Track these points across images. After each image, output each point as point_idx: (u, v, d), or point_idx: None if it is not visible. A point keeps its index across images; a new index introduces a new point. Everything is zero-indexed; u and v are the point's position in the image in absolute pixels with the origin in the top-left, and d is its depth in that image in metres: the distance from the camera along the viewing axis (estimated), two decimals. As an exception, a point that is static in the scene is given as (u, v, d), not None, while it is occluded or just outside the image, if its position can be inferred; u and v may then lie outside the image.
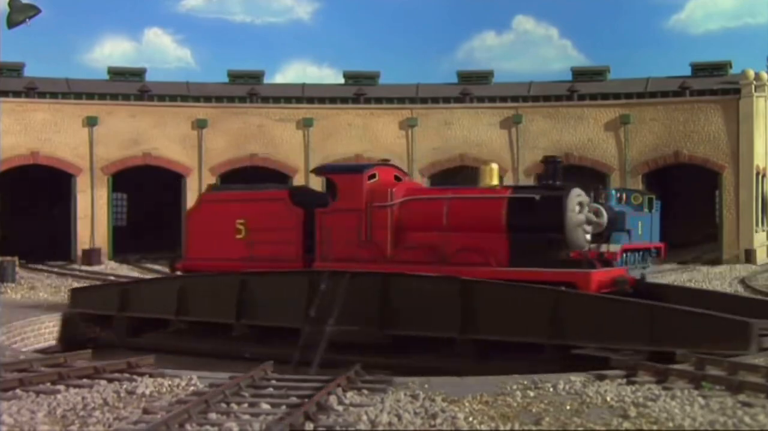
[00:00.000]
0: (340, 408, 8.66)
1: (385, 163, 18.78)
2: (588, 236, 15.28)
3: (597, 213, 28.41)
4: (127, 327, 17.29)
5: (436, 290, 14.21)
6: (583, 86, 39.82)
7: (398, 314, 14.42)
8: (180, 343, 16.21)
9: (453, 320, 13.74)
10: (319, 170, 18.55)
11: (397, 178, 17.23)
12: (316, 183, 37.93)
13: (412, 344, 14.33)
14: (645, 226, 31.00)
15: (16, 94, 36.99)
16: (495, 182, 16.14)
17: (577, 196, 15.04)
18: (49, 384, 9.85)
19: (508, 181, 38.29)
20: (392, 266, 15.28)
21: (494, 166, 16.41)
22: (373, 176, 16.59)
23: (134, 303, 17.34)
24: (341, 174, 17.06)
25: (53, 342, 17.76)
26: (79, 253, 36.41)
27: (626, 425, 7.94)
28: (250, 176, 39.58)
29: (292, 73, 72.77)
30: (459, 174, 36.08)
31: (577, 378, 10.03)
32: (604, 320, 12.75)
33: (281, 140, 38.94)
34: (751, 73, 36.74)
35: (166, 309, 16.63)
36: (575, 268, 14.42)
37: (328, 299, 14.60)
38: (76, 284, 26.14)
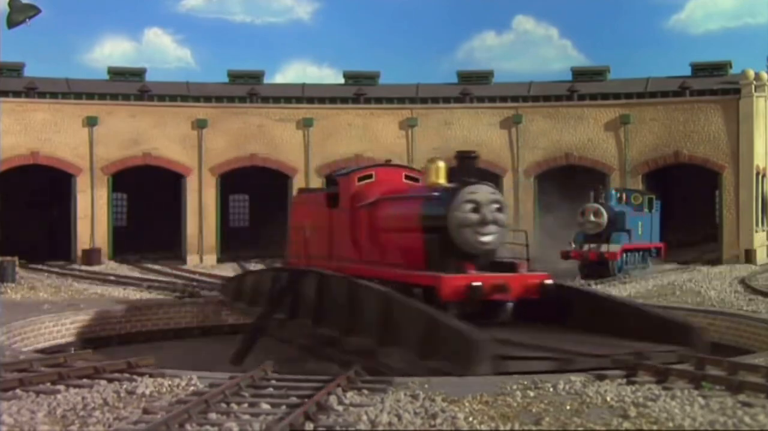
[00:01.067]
0: (340, 408, 8.65)
1: (388, 163, 18.79)
2: (485, 238, 13.79)
3: (597, 213, 28.72)
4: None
5: (338, 290, 14.64)
6: (583, 86, 39.81)
7: (325, 312, 15.09)
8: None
9: (342, 320, 14.10)
10: (329, 175, 19.40)
11: (410, 178, 17.17)
12: (317, 183, 38.04)
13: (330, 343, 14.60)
14: (645, 226, 31.02)
15: (16, 94, 36.97)
16: (441, 179, 15.25)
17: (469, 193, 13.81)
18: (49, 384, 9.85)
19: (508, 181, 38.39)
20: (362, 267, 15.48)
21: (440, 163, 15.43)
22: (367, 177, 16.61)
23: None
24: (341, 176, 17.38)
25: (53, 342, 17.79)
26: (79, 253, 36.40)
27: (626, 425, 7.94)
28: (250, 176, 39.75)
29: (292, 73, 72.82)
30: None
31: (577, 378, 10.03)
32: (403, 327, 12.46)
33: (281, 140, 38.92)
34: (751, 73, 36.73)
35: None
36: (446, 271, 13.37)
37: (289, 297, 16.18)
38: (75, 284, 26.19)
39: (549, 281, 13.63)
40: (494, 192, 14.11)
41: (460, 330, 11.16)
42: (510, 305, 13.42)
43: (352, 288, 14.15)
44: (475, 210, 13.67)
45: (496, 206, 13.85)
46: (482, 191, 13.88)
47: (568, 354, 11.17)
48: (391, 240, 15.10)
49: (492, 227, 13.75)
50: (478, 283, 12.91)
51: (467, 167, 14.33)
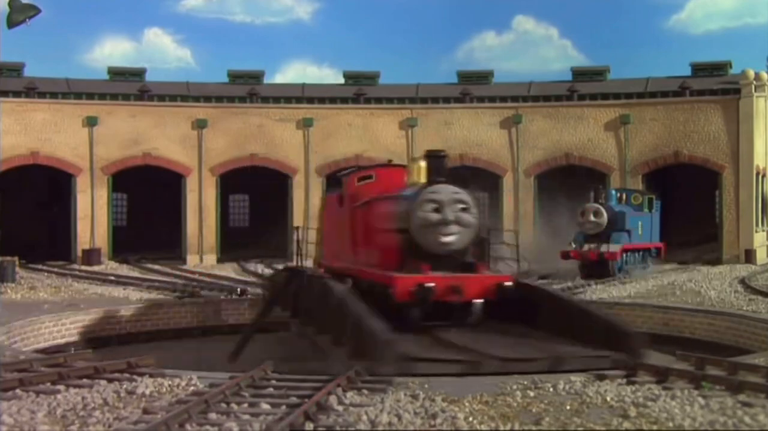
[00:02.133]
0: (340, 408, 8.65)
1: (390, 163, 18.78)
2: (446, 239, 13.54)
3: (597, 213, 28.72)
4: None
5: (317, 290, 14.82)
6: (583, 86, 39.82)
7: (310, 313, 15.17)
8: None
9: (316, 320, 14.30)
10: (334, 174, 19.26)
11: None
12: (317, 183, 38.07)
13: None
14: (645, 226, 31.03)
15: (16, 94, 36.99)
16: (423, 179, 14.76)
17: (430, 193, 13.61)
18: (49, 384, 9.84)
19: (509, 181, 38.40)
20: (356, 268, 15.43)
21: (422, 163, 14.90)
22: (367, 178, 16.61)
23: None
24: (344, 177, 17.29)
25: (52, 342, 17.79)
26: (79, 253, 36.43)
27: (626, 425, 7.94)
28: (250, 176, 39.76)
29: (292, 73, 72.92)
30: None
31: (577, 378, 10.03)
32: (335, 325, 12.78)
33: (281, 140, 38.93)
34: (751, 73, 36.74)
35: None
36: (406, 272, 13.24)
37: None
38: (75, 284, 26.18)
39: (508, 283, 13.35)
40: (458, 192, 13.78)
41: (372, 330, 11.14)
42: (478, 306, 13.20)
43: (323, 288, 14.27)
44: (437, 210, 13.47)
45: (460, 205, 13.60)
46: (444, 191, 13.65)
47: (477, 356, 11.15)
48: (376, 240, 15.02)
49: (454, 227, 13.49)
50: (431, 284, 12.71)
51: (436, 167, 14.01)
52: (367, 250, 15.38)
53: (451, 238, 13.50)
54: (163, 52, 76.77)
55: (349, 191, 16.40)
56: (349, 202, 16.33)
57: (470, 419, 8.17)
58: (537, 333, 12.76)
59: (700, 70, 40.51)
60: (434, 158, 14.20)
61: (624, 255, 29.03)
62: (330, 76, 77.17)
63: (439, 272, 13.19)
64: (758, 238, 36.98)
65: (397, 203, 14.29)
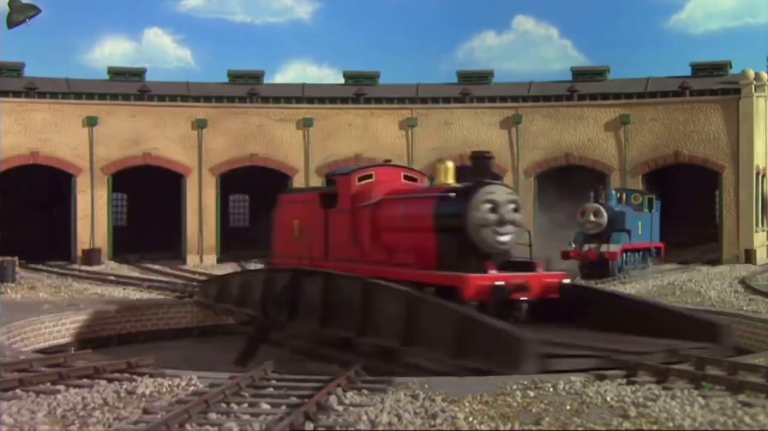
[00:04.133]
0: (340, 408, 8.65)
1: (389, 163, 18.79)
2: (503, 238, 13.85)
3: (597, 213, 28.71)
4: None
5: (350, 290, 14.58)
6: (583, 86, 39.81)
7: (333, 312, 14.94)
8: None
9: (355, 321, 14.02)
10: (328, 174, 19.14)
11: (409, 178, 17.19)
12: (317, 183, 38.04)
13: (342, 343, 14.47)
14: (645, 226, 31.03)
15: (16, 94, 36.98)
16: (450, 179, 15.32)
17: (487, 193, 13.86)
18: (49, 384, 9.85)
19: (508, 181, 38.37)
20: (365, 267, 15.37)
21: (449, 163, 15.63)
22: (367, 177, 16.61)
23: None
24: (340, 176, 17.32)
25: (53, 342, 17.79)
26: (79, 253, 36.42)
27: (626, 425, 7.94)
28: (250, 176, 39.74)
29: (292, 73, 72.93)
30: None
31: (577, 378, 10.02)
32: (431, 327, 12.36)
33: (281, 140, 38.92)
34: (751, 73, 36.74)
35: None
36: (467, 271, 13.29)
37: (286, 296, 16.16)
38: (75, 284, 26.20)
39: (567, 281, 13.80)
40: (511, 192, 14.30)
41: (503, 329, 11.23)
42: (525, 304, 13.34)
43: (367, 288, 14.02)
44: (493, 210, 13.74)
45: (512, 206, 13.94)
46: (500, 191, 14.02)
47: (608, 352, 11.15)
48: (400, 240, 15.03)
49: (510, 227, 13.85)
50: (502, 283, 12.96)
51: (482, 167, 14.43)
52: (382, 250, 15.34)
53: (507, 237, 13.88)
54: (163, 52, 76.85)
55: (350, 191, 16.33)
56: (350, 202, 16.27)
57: (470, 419, 8.17)
58: (591, 330, 12.87)
59: (700, 70, 40.50)
60: (480, 158, 14.65)
61: (624, 255, 29.03)
62: (330, 76, 77.25)
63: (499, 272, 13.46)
64: (758, 238, 36.98)
65: (440, 203, 14.37)
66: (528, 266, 13.95)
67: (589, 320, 13.30)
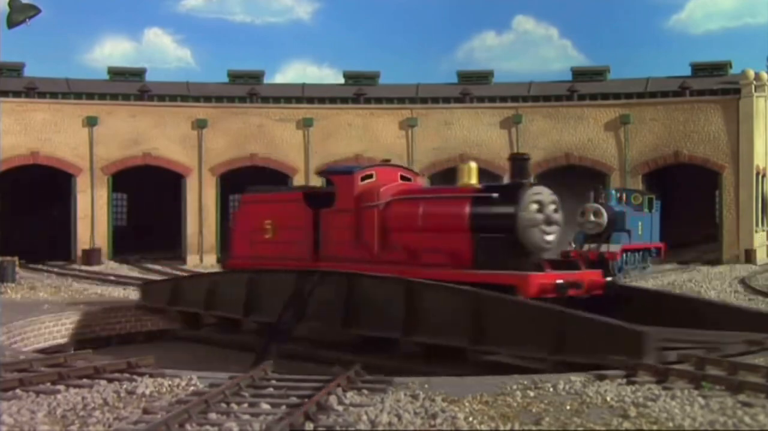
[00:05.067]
0: (340, 408, 8.65)
1: (386, 163, 18.75)
2: (548, 237, 14.29)
3: (596, 213, 28.71)
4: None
5: (386, 291, 14.45)
6: (583, 86, 39.83)
7: (359, 313, 14.75)
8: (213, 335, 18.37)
9: (398, 321, 13.89)
10: (321, 172, 18.85)
11: (404, 178, 17.16)
12: (317, 183, 38.03)
13: (374, 343, 14.40)
14: (645, 226, 31.02)
15: (16, 94, 37.01)
16: (473, 180, 15.57)
17: (534, 194, 14.33)
18: (49, 384, 9.84)
19: (508, 181, 38.33)
20: (376, 267, 15.29)
21: (473, 164, 15.88)
22: (368, 177, 16.58)
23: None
24: (339, 175, 17.14)
25: (53, 342, 17.78)
26: (79, 253, 36.44)
27: (626, 425, 7.94)
28: (250, 176, 39.72)
29: (292, 73, 72.90)
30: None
31: (577, 378, 10.02)
32: (516, 325, 12.41)
33: (281, 140, 38.94)
34: (751, 73, 36.75)
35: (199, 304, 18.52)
36: (521, 270, 13.64)
37: (303, 296, 15.61)
38: (75, 284, 26.18)
39: (609, 278, 14.54)
40: (552, 193, 14.64)
41: (620, 325, 11.50)
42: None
43: (412, 288, 13.93)
44: (540, 210, 14.13)
45: (554, 206, 14.42)
46: (545, 192, 14.49)
47: (709, 343, 11.50)
48: (424, 240, 15.06)
49: (555, 227, 14.31)
50: (561, 281, 13.33)
51: (521, 168, 14.84)
52: (408, 250, 15.31)
53: (552, 236, 14.34)
54: (163, 52, 76.83)
55: (353, 191, 16.21)
56: (354, 201, 16.12)
57: (470, 419, 8.16)
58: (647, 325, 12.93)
59: (700, 70, 40.52)
60: (519, 160, 15.09)
61: (624, 255, 29.02)
62: (330, 76, 77.20)
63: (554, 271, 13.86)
64: (758, 238, 36.99)
65: (479, 203, 14.58)
66: (572, 264, 14.73)
67: (633, 315, 13.27)
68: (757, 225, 37.07)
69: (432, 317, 13.48)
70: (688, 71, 40.93)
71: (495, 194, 14.45)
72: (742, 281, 25.36)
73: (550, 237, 14.26)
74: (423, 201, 15.61)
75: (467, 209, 14.62)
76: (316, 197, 17.45)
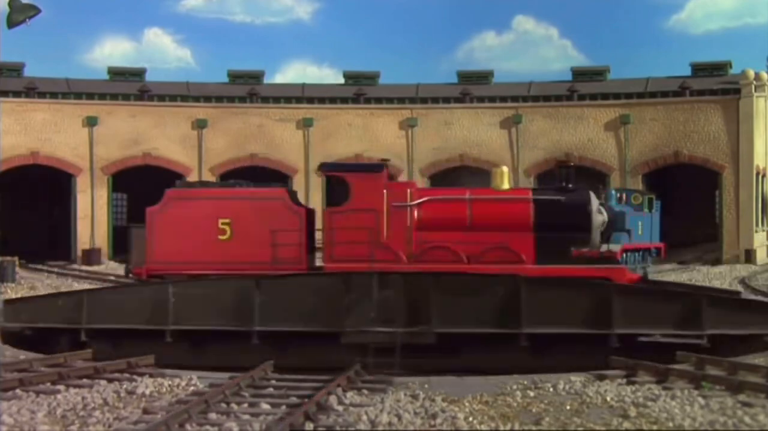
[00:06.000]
0: (340, 408, 8.66)
1: (384, 162, 18.72)
2: (602, 236, 16.37)
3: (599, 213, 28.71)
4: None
5: (487, 287, 14.59)
6: (583, 86, 39.79)
7: (448, 312, 14.47)
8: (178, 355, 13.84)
9: (501, 317, 14.18)
10: (328, 168, 17.63)
11: (390, 177, 17.28)
12: (317, 183, 38.06)
13: (460, 343, 14.30)
14: (645, 226, 30.99)
15: (16, 94, 36.99)
16: (506, 185, 16.51)
17: (595, 199, 16.18)
18: (49, 384, 9.85)
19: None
20: (414, 266, 15.38)
21: (505, 169, 16.91)
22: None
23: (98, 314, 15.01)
24: (357, 173, 16.52)
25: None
26: (79, 253, 36.42)
27: (626, 425, 7.94)
28: (250, 176, 39.69)
29: (292, 73, 72.86)
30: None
31: (577, 378, 10.03)
32: (656, 309, 13.97)
33: (281, 140, 38.93)
34: (751, 73, 36.73)
35: (151, 319, 14.67)
36: (606, 264, 15.66)
37: (379, 302, 14.41)
38: (75, 284, 26.19)
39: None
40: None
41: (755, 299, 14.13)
42: None
43: (517, 284, 14.46)
44: (600, 212, 16.19)
45: (600, 209, 16.34)
46: (594, 197, 16.20)
47: None
48: (477, 239, 15.71)
49: (601, 227, 16.25)
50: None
51: (568, 175, 16.21)
52: (456, 248, 15.64)
53: (601, 236, 16.27)
54: (163, 52, 76.81)
55: (379, 190, 15.88)
56: (378, 201, 15.73)
57: (470, 419, 8.17)
58: None
59: (700, 70, 40.48)
60: (566, 167, 16.58)
61: (624, 255, 29.01)
62: (330, 76, 77.26)
63: None
64: (758, 238, 36.97)
65: (546, 205, 15.81)
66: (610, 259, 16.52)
67: None
68: (757, 225, 37.05)
69: (550, 310, 14.17)
70: (688, 71, 40.90)
71: (562, 198, 15.89)
72: (742, 281, 25.38)
73: (602, 236, 16.34)
74: (472, 202, 16.13)
75: (531, 211, 15.76)
76: (331, 194, 16.41)
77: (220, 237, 15.72)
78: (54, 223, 40.37)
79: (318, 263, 16.48)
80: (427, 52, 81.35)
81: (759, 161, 37.13)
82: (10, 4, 14.30)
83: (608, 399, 9.00)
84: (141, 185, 41.13)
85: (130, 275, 17.38)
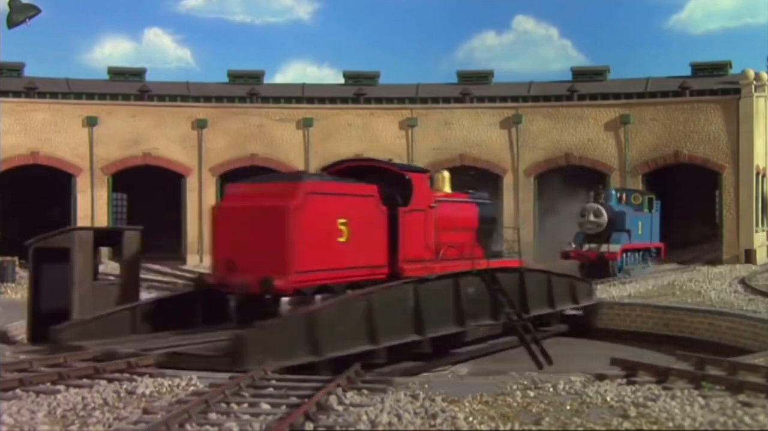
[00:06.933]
0: (340, 408, 8.65)
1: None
2: None
3: (597, 213, 28.74)
4: None
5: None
6: (583, 86, 39.80)
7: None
8: None
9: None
10: (357, 162, 17.61)
11: None
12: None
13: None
14: (645, 226, 31.02)
15: (16, 94, 37.01)
16: (447, 189, 16.98)
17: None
18: (49, 384, 9.84)
19: (509, 181, 38.37)
20: (439, 265, 16.06)
21: (446, 173, 17.79)
22: None
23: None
24: (416, 172, 16.42)
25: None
26: (79, 253, 36.39)
27: (626, 425, 7.94)
28: (250, 176, 39.65)
29: (292, 73, 72.84)
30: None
31: (577, 378, 10.02)
32: None
33: (281, 140, 38.94)
34: (751, 73, 36.73)
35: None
36: None
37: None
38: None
39: None
40: None
41: None
42: None
43: None
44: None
45: None
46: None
47: None
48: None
49: None
50: None
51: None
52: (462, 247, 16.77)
53: None
54: (163, 52, 76.77)
55: (426, 189, 16.31)
56: (426, 200, 16.04)
57: (470, 419, 8.17)
58: None
59: (700, 70, 40.49)
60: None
61: (624, 255, 29.03)
62: (330, 76, 77.18)
63: None
64: (758, 238, 36.97)
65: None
66: None
67: None
68: (757, 225, 37.05)
69: None
70: (688, 71, 40.92)
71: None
72: (742, 281, 25.36)
73: None
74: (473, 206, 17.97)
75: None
76: (393, 195, 15.50)
77: (340, 239, 14.04)
78: (54, 223, 40.25)
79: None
80: (427, 52, 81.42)
81: (759, 161, 37.13)
82: (10, 4, 14.32)
83: (608, 399, 9.00)
84: (141, 185, 41.32)
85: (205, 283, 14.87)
